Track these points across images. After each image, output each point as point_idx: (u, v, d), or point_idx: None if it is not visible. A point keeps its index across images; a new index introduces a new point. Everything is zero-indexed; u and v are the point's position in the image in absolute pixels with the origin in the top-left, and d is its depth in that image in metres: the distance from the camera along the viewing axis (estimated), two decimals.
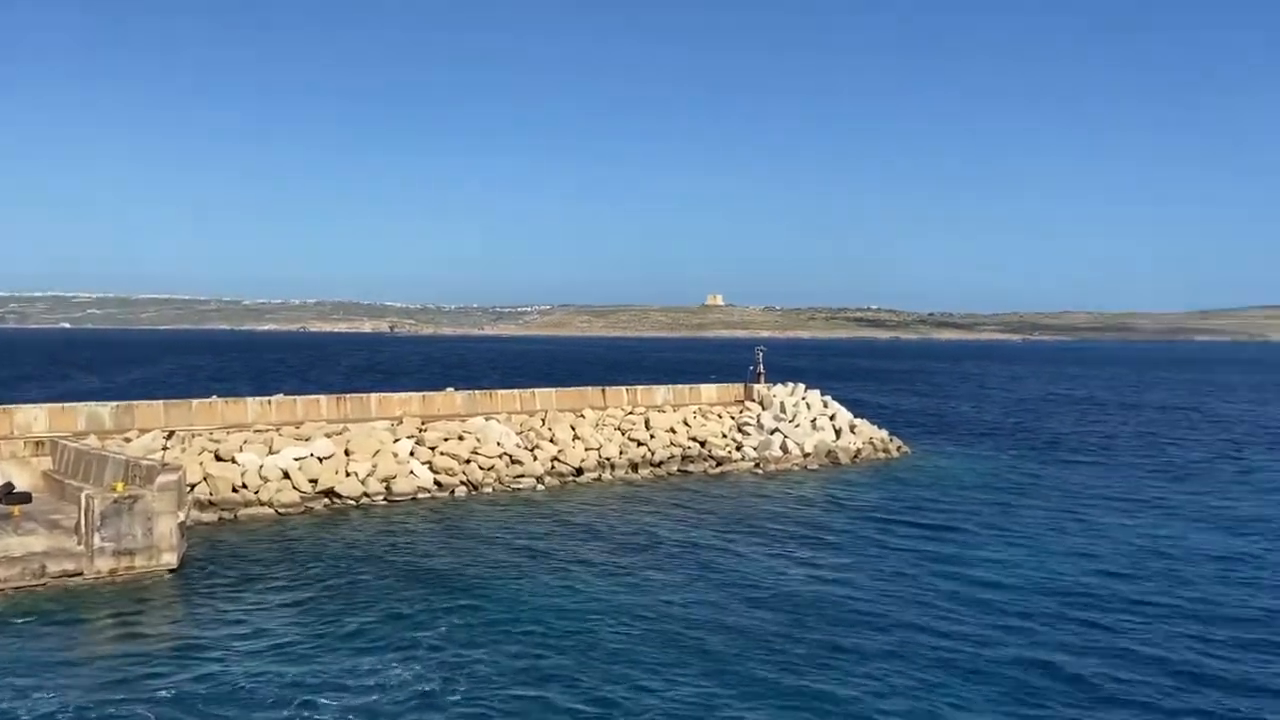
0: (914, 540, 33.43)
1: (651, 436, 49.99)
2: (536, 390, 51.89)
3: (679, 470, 48.43)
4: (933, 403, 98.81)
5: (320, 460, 39.87)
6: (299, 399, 44.61)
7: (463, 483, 42.15)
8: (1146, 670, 20.74)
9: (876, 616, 24.50)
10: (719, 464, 49.77)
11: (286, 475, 38.71)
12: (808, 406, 56.53)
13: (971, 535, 34.28)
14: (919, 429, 70.21)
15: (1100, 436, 67.48)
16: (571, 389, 53.53)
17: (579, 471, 45.62)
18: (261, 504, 37.22)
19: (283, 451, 39.57)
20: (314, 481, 38.89)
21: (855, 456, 53.45)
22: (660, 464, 48.19)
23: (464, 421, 46.09)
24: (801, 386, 58.90)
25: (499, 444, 44.88)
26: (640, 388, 55.07)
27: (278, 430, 41.35)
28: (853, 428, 56.51)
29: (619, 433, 49.83)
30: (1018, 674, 20.56)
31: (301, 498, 38.16)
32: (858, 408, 67.74)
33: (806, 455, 51.55)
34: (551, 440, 47.04)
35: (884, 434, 57.87)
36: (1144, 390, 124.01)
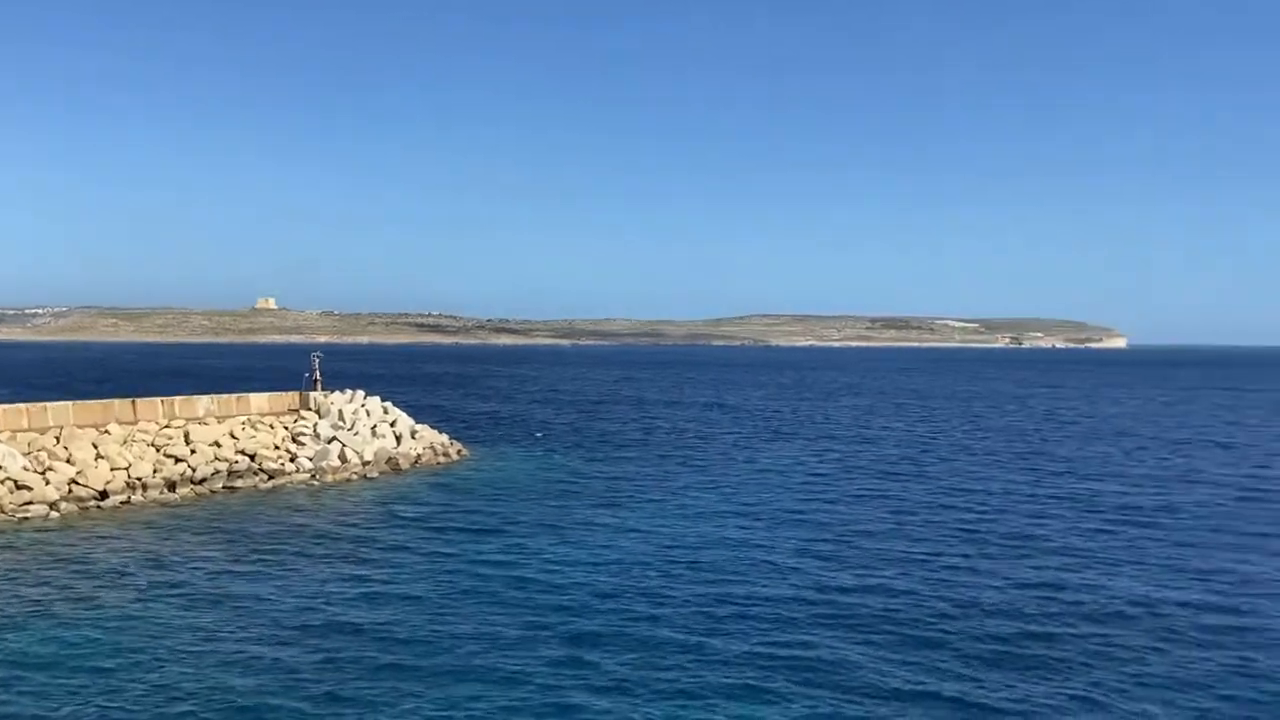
0: (469, 544, 34.11)
1: (193, 452, 45.81)
2: (49, 404, 45.08)
3: (225, 487, 44.88)
4: (494, 405, 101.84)
5: None
6: None
7: None
8: (669, 654, 23.05)
9: (428, 629, 24.59)
10: (271, 478, 46.93)
11: None
12: (368, 414, 55.38)
13: (523, 535, 35.79)
14: (481, 431, 71.99)
15: (642, 432, 74.10)
16: (94, 402, 47.28)
17: (103, 495, 40.46)
18: None
19: None
20: None
21: (416, 462, 53.39)
22: (203, 481, 44.32)
23: None
24: (361, 393, 57.55)
25: (1, 467, 38.36)
26: (179, 399, 50.15)
27: None
28: (414, 433, 56.41)
29: (153, 449, 44.99)
30: (557, 672, 21.82)
31: None
32: (421, 413, 67.75)
33: (366, 464, 50.47)
34: (68, 461, 41.20)
35: (445, 438, 58.52)
36: (681, 388, 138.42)
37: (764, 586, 28.57)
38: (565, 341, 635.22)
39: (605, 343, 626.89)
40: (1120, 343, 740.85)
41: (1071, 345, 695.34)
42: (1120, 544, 34.82)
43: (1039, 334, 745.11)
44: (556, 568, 30.76)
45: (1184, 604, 27.05)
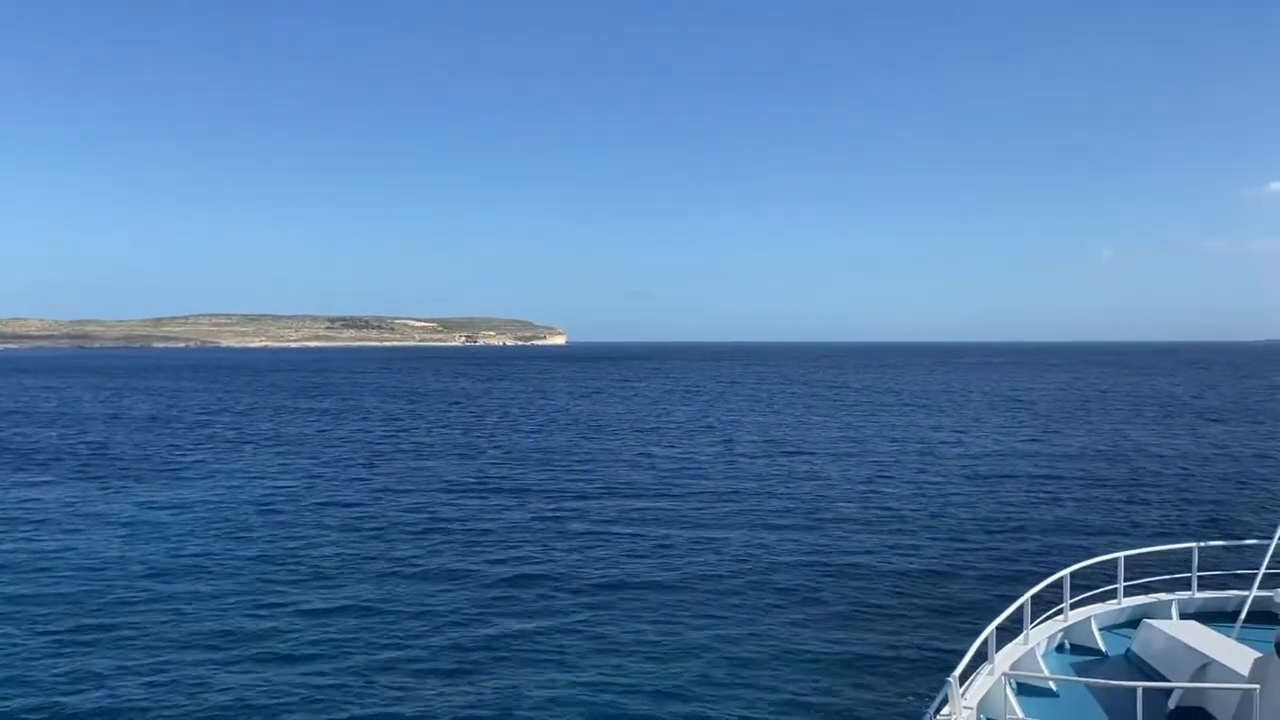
0: None
1: None
2: None
3: None
4: None
5: None
6: None
7: None
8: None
9: None
10: None
11: None
12: None
13: None
14: None
15: (66, 448, 64.88)
16: None
17: None
18: None
19: None
20: None
21: None
22: None
23: None
24: None
25: None
26: None
27: None
28: None
29: None
30: None
31: None
32: None
33: None
34: None
35: None
36: (119, 397, 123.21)
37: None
38: None
39: (13, 346, 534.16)
40: (561, 340, 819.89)
41: (520, 343, 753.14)
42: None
43: (492, 332, 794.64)
44: None
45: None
